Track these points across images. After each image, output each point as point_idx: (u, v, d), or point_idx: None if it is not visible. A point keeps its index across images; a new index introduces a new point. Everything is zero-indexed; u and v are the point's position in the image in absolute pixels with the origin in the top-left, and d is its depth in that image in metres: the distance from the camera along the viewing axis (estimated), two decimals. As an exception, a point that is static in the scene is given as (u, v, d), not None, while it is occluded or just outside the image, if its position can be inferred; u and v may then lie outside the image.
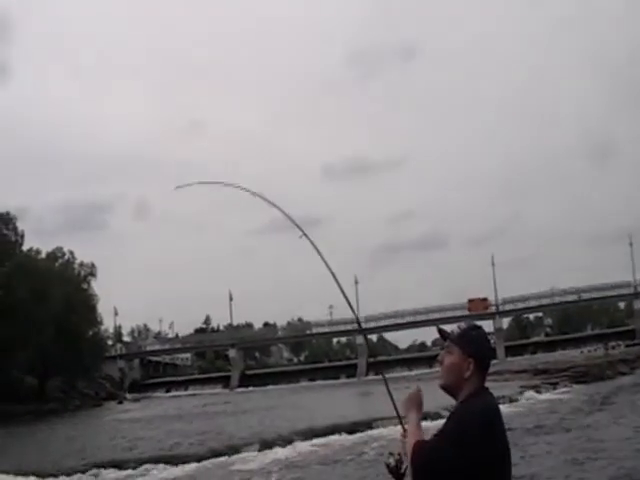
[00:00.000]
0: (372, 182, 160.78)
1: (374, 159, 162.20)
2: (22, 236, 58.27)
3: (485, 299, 77.88)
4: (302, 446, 18.37)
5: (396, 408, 3.25)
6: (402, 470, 2.99)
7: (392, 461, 3.03)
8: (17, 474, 16.44)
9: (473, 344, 2.88)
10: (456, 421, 2.76)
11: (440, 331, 3.02)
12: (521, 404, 24.42)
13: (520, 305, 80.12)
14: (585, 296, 77.18)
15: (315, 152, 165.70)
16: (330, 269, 3.45)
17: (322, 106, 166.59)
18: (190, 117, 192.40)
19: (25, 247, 59.09)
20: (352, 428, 18.47)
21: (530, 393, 28.09)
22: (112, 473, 16.16)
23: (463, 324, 2.98)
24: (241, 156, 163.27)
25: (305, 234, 3.83)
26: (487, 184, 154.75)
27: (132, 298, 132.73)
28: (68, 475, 16.01)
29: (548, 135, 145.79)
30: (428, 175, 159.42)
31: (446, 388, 2.88)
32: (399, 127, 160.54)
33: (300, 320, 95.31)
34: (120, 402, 62.05)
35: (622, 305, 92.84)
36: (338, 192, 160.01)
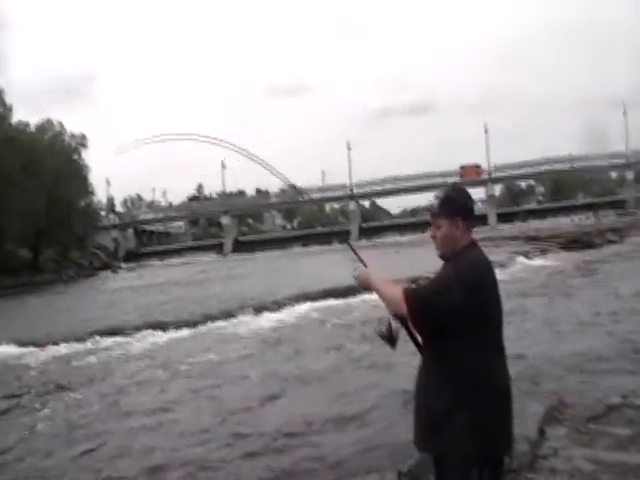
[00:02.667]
0: (364, 44, 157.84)
1: (364, 24, 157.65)
2: (10, 109, 57.27)
3: (478, 166, 77.75)
4: (295, 310, 18.64)
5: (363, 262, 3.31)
6: (394, 334, 3.07)
7: (383, 328, 3.08)
8: (15, 344, 16.61)
9: (455, 204, 3.03)
10: (453, 269, 2.92)
11: (422, 210, 3.09)
12: (511, 270, 24.66)
13: (513, 172, 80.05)
14: (578, 165, 77.10)
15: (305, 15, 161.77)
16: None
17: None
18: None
19: (14, 120, 58.14)
20: (344, 292, 18.62)
21: (520, 259, 28.33)
22: (109, 340, 16.30)
23: (439, 192, 3.03)
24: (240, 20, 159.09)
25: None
26: (483, 52, 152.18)
27: (124, 168, 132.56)
28: (67, 342, 16.15)
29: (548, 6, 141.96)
30: (423, 39, 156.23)
31: (444, 256, 3.06)
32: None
33: (292, 186, 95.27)
34: (115, 271, 62.87)
35: (614, 175, 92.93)
36: (327, 57, 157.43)
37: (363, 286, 3.13)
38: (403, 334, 3.09)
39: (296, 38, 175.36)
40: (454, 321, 2.80)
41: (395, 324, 3.09)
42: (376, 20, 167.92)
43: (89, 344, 15.96)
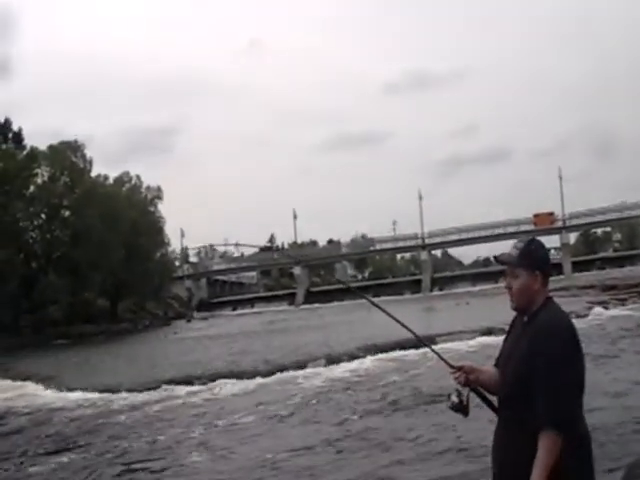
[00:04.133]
0: (435, 96, 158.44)
1: (436, 72, 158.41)
2: (90, 162, 58.77)
3: (551, 213, 76.21)
4: (367, 361, 18.58)
5: (408, 328, 3.39)
6: (464, 402, 3.05)
7: (455, 398, 3.06)
8: (91, 390, 17.04)
9: (536, 258, 2.97)
10: (549, 340, 2.77)
11: (498, 260, 3.08)
12: (589, 320, 23.98)
13: (588, 220, 78.04)
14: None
15: (376, 67, 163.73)
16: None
17: (382, 20, 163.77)
18: (249, 36, 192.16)
19: (93, 173, 59.91)
20: (416, 343, 18.41)
21: (598, 309, 27.44)
22: (182, 389, 16.57)
23: (518, 243, 2.99)
24: (301, 73, 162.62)
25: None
26: (552, 95, 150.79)
27: (198, 219, 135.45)
28: (140, 392, 16.47)
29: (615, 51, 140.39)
30: (491, 87, 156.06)
31: (519, 309, 3.00)
32: (461, 38, 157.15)
33: (364, 237, 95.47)
34: (188, 320, 63.64)
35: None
36: (400, 107, 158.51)
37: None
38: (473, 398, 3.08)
39: (366, 87, 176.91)
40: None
41: (465, 392, 3.07)
42: (446, 72, 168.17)
43: (160, 393, 16.22)
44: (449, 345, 19.46)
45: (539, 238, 3.18)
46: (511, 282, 2.99)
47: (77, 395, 17.07)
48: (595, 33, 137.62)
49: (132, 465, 9.46)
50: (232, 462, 9.06)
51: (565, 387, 2.72)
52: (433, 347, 3.59)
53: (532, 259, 2.96)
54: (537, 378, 2.74)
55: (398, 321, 3.40)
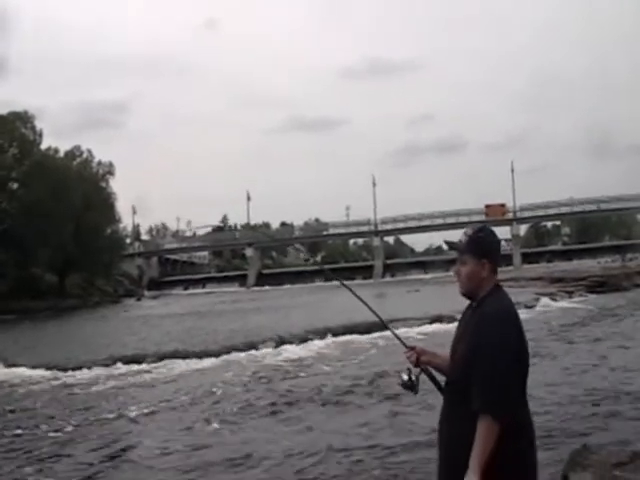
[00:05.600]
0: (391, 84, 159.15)
1: (393, 61, 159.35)
2: (40, 135, 58.10)
3: (503, 205, 77.51)
4: (317, 344, 18.65)
5: (375, 313, 3.48)
6: (415, 381, 3.17)
7: (405, 376, 3.18)
8: (37, 367, 16.78)
9: (484, 246, 3.03)
10: (489, 327, 2.82)
11: (449, 244, 3.19)
12: (537, 311, 24.43)
13: (539, 213, 79.72)
14: (604, 206, 76.38)
15: (332, 54, 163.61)
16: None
17: (340, 5, 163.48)
18: (205, 16, 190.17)
19: (43, 146, 59.03)
20: (366, 328, 18.52)
21: (546, 300, 27.99)
22: (131, 367, 16.41)
23: (468, 230, 3.04)
24: (256, 58, 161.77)
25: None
26: (508, 93, 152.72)
27: (150, 197, 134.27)
28: (89, 368, 16.25)
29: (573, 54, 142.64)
30: (449, 79, 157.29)
31: (466, 294, 3.06)
32: (420, 27, 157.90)
33: (317, 220, 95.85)
34: (138, 299, 63.32)
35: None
36: (356, 94, 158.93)
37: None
38: (423, 378, 3.18)
39: (325, 73, 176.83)
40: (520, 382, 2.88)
41: (415, 371, 3.20)
42: (404, 60, 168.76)
43: (110, 370, 16.06)
44: (398, 331, 19.58)
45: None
46: (460, 268, 3.05)
47: (22, 371, 16.79)
48: (554, 26, 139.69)
49: (69, 443, 9.31)
50: (168, 442, 8.97)
51: (501, 373, 2.73)
52: (386, 331, 3.68)
53: (480, 246, 3.01)
54: (476, 364, 2.79)
55: (365, 303, 3.47)
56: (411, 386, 3.17)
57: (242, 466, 7.61)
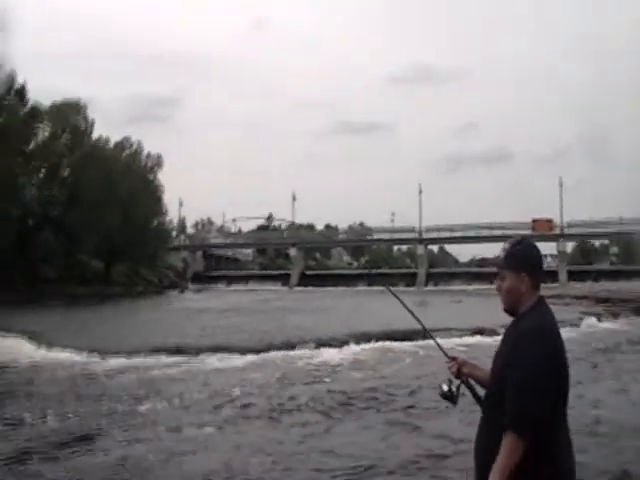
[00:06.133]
0: (439, 92, 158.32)
1: (441, 68, 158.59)
2: (92, 125, 58.87)
3: (550, 220, 76.12)
4: (354, 349, 18.59)
5: (419, 321, 3.49)
6: (455, 392, 3.17)
7: (445, 387, 3.19)
8: (79, 352, 17.16)
9: (521, 259, 2.96)
10: (525, 344, 2.77)
11: (488, 262, 3.04)
12: (580, 330, 24.03)
13: (586, 230, 78.20)
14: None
15: (381, 58, 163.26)
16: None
17: (389, 13, 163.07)
18: (255, 16, 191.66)
19: (94, 136, 59.82)
20: (406, 336, 18.47)
21: (591, 320, 27.25)
22: (172, 357, 16.60)
23: (506, 244, 2.99)
24: (305, 58, 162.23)
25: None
26: (558, 102, 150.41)
27: (197, 192, 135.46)
28: (129, 355, 16.54)
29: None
30: (497, 88, 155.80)
31: (508, 310, 3.01)
32: (468, 36, 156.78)
33: (362, 225, 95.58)
34: (182, 291, 63.93)
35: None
36: (403, 100, 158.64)
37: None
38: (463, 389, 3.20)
39: (373, 78, 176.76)
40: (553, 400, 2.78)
41: (456, 382, 3.21)
42: (454, 68, 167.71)
43: (152, 360, 16.32)
44: (440, 341, 19.49)
45: (536, 243, 3.19)
46: (500, 284, 3.02)
47: (65, 355, 17.17)
48: (601, 35, 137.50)
49: (102, 429, 9.50)
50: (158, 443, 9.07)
51: (529, 390, 2.69)
52: (427, 340, 3.75)
53: (517, 260, 2.96)
54: (509, 380, 2.76)
55: (410, 310, 3.51)
56: (451, 397, 3.17)
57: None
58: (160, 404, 11.17)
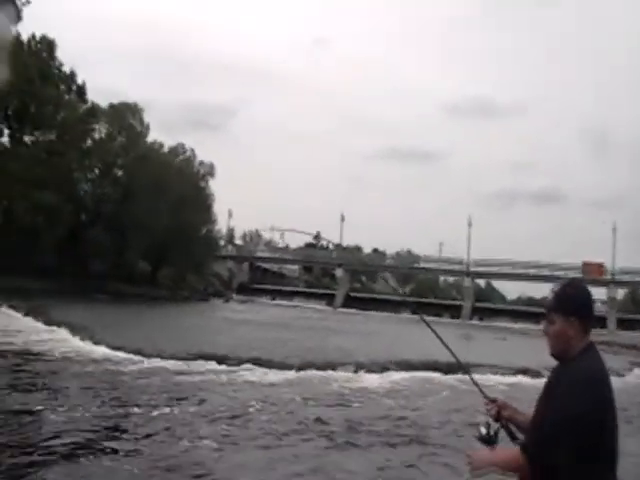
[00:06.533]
0: (494, 125, 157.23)
1: (498, 102, 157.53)
2: (147, 128, 59.91)
3: (601, 264, 74.87)
4: (396, 376, 18.43)
5: (454, 355, 3.42)
6: (493, 435, 2.99)
7: (483, 429, 3.01)
8: (118, 350, 17.33)
9: (572, 302, 2.82)
10: (570, 384, 2.67)
11: (530, 302, 2.91)
12: (627, 380, 23.43)
13: (638, 278, 76.69)
14: None
15: (438, 87, 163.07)
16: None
17: (449, 41, 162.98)
18: (316, 35, 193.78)
19: (149, 139, 60.77)
20: (448, 368, 18.20)
21: (639, 370, 26.78)
22: (212, 365, 16.65)
23: (556, 286, 2.90)
24: (365, 79, 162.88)
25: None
26: (616, 145, 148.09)
27: (246, 204, 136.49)
28: (170, 359, 16.63)
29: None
30: (554, 126, 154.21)
31: (555, 355, 2.87)
32: (529, 70, 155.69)
33: (409, 252, 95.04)
34: (227, 300, 64.31)
35: None
36: (458, 131, 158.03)
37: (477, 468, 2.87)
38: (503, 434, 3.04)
39: (431, 106, 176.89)
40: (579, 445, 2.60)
41: (495, 425, 3.05)
42: (514, 102, 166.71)
43: (192, 365, 16.37)
44: (480, 377, 19.26)
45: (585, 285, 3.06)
46: (547, 327, 2.88)
47: (104, 350, 17.38)
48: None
49: (128, 429, 9.45)
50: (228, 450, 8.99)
51: (567, 433, 2.57)
52: (464, 376, 3.59)
53: (567, 303, 2.82)
54: (548, 411, 2.69)
55: (445, 344, 3.41)
56: (489, 440, 2.97)
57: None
58: (177, 409, 11.04)
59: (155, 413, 10.61)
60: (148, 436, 9.09)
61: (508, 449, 2.81)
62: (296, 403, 13.06)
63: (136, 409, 10.78)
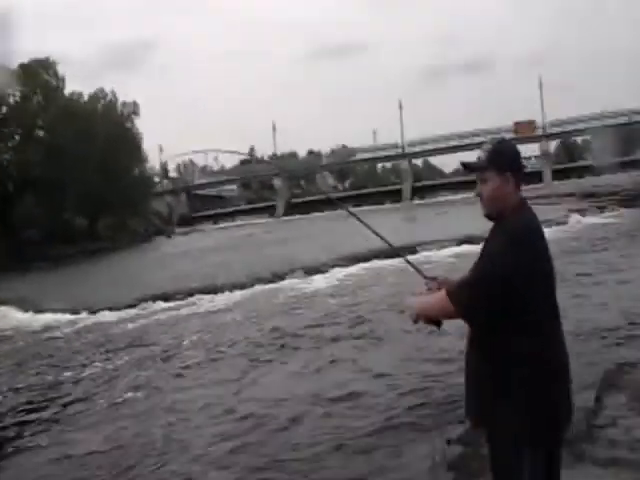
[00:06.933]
0: (414, 4, 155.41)
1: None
2: (63, 80, 57.73)
3: (532, 121, 75.88)
4: (345, 271, 18.55)
5: (387, 241, 3.32)
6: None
7: None
8: (68, 311, 16.90)
9: (504, 157, 2.77)
10: (504, 237, 2.65)
11: (466, 165, 2.86)
12: (568, 227, 23.98)
13: (568, 128, 77.85)
14: (636, 118, 74.20)
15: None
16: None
17: None
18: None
19: (67, 91, 58.81)
20: (394, 252, 18.18)
21: (577, 216, 27.59)
22: (161, 305, 16.49)
23: (486, 144, 2.83)
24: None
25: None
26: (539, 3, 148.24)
27: (177, 134, 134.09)
28: (118, 309, 16.37)
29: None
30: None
31: (491, 215, 2.80)
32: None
33: (344, 146, 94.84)
34: (169, 236, 63.77)
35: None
36: (380, 15, 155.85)
37: (415, 311, 2.91)
38: None
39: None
40: (506, 301, 2.58)
41: None
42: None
43: (139, 310, 16.12)
44: (428, 254, 19.44)
45: (519, 146, 2.92)
46: (482, 188, 2.79)
47: (52, 316, 16.93)
48: None
49: (95, 386, 9.28)
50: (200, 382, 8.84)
51: (482, 282, 2.63)
52: (408, 257, 3.41)
53: (502, 159, 2.75)
54: (479, 264, 2.70)
55: (374, 231, 3.33)
56: (434, 321, 2.91)
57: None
58: (110, 363, 10.76)
59: (86, 373, 10.34)
60: (79, 400, 8.77)
61: (440, 292, 2.78)
62: (236, 324, 12.98)
63: (67, 373, 10.46)
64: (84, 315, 16.34)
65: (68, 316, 16.53)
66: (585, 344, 7.67)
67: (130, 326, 14.22)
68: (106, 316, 15.79)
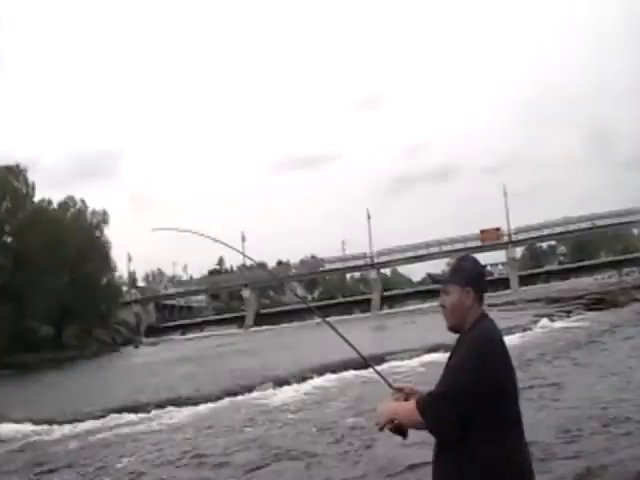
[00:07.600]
0: (382, 114, 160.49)
1: (385, 95, 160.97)
2: (33, 187, 58.67)
3: (498, 229, 77.41)
4: (315, 382, 18.40)
5: (357, 351, 3.39)
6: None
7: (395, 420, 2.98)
8: (32, 422, 16.49)
9: (466, 273, 2.96)
10: (467, 351, 2.78)
11: (432, 277, 3.20)
12: (535, 333, 24.18)
13: (533, 234, 79.58)
14: (599, 223, 76.18)
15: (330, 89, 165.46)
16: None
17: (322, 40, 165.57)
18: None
19: (37, 198, 59.50)
20: (361, 364, 18.11)
21: (544, 321, 27.71)
22: (127, 417, 16.16)
23: (452, 260, 3.03)
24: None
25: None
26: (501, 114, 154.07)
27: (145, 243, 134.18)
28: (84, 421, 16.01)
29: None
30: (438, 105, 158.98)
31: (453, 327, 2.96)
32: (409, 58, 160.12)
33: (313, 257, 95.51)
34: (137, 347, 62.99)
35: (636, 231, 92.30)
36: (348, 127, 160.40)
37: (385, 415, 2.97)
38: None
39: (316, 109, 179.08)
40: (469, 411, 2.70)
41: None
42: (397, 91, 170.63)
43: (106, 421, 15.79)
44: (397, 363, 19.43)
45: (486, 253, 3.17)
46: (444, 299, 2.98)
47: (11, 427, 16.45)
48: (540, 42, 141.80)
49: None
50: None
51: (452, 391, 2.72)
52: (376, 367, 3.49)
53: (462, 274, 2.95)
54: (447, 376, 2.80)
55: (346, 340, 3.36)
56: (399, 431, 2.95)
57: None
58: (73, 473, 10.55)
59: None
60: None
61: (410, 402, 2.88)
62: (192, 441, 12.55)
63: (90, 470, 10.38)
64: (49, 427, 15.90)
65: (32, 427, 16.09)
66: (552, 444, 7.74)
67: (98, 437, 13.89)
68: (72, 428, 15.40)
